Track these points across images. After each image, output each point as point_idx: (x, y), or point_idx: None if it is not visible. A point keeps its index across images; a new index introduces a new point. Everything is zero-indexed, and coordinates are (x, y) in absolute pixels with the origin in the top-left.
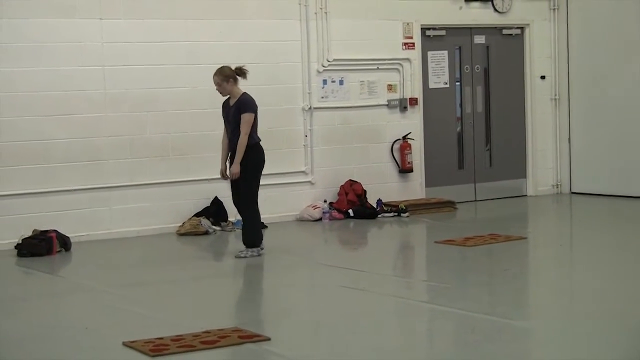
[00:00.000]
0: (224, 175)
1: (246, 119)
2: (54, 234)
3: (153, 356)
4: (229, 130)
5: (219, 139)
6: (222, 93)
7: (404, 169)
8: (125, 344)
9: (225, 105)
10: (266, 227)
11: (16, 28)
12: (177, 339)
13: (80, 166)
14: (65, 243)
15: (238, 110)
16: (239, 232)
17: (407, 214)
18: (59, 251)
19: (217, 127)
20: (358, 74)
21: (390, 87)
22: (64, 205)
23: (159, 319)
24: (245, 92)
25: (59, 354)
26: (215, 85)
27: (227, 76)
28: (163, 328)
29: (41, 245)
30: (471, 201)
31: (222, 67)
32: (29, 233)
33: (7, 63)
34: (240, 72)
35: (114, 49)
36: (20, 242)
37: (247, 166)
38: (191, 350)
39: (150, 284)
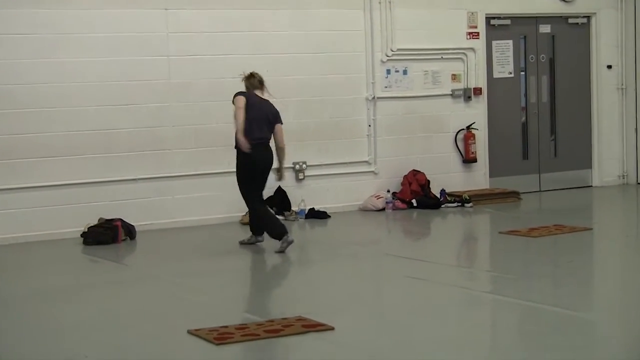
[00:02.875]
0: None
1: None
2: (119, 223)
3: (217, 344)
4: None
5: (285, 128)
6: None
7: (468, 159)
8: (189, 332)
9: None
10: (329, 216)
11: (85, 19)
12: (241, 327)
13: (144, 155)
14: (130, 231)
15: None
16: (303, 221)
17: (470, 204)
18: (124, 239)
19: (283, 117)
20: (422, 64)
21: (454, 77)
22: (129, 194)
23: (223, 307)
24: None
25: (124, 341)
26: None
27: None
28: (227, 317)
29: (106, 234)
30: (536, 192)
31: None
32: (95, 221)
33: (75, 53)
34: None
35: (179, 39)
36: (86, 230)
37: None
38: (255, 339)
39: (214, 272)
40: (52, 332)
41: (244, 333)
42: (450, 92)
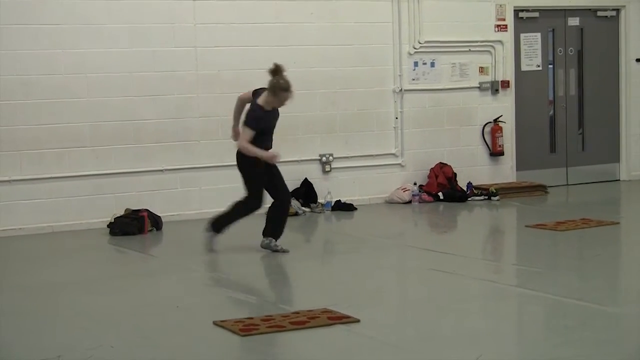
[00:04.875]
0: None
1: None
2: (145, 213)
3: (243, 335)
4: (271, 135)
5: (312, 120)
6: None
7: (495, 152)
8: (215, 323)
9: (267, 115)
10: (355, 209)
11: (112, 9)
12: (267, 319)
13: (171, 146)
14: (156, 222)
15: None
16: (329, 213)
17: (497, 197)
18: (150, 230)
19: (309, 109)
20: (449, 56)
21: (481, 70)
22: (156, 185)
23: (249, 298)
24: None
25: (151, 332)
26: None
27: None
28: (253, 308)
29: (133, 224)
30: (563, 185)
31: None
32: (122, 212)
33: (102, 44)
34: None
35: (206, 30)
36: (113, 220)
37: None
38: (281, 331)
39: (240, 264)
40: (79, 321)
41: (270, 324)
42: (478, 85)
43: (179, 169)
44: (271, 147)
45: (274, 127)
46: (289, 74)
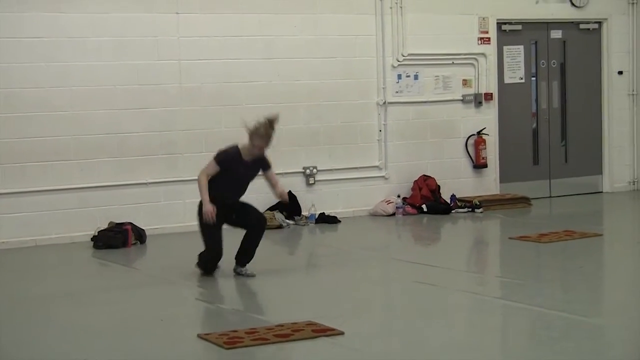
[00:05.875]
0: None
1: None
2: (129, 227)
3: (227, 348)
4: (238, 187)
5: (296, 133)
6: (257, 156)
7: (478, 165)
8: (200, 336)
9: (237, 160)
10: (339, 221)
11: (96, 22)
12: (251, 331)
13: (155, 159)
14: (140, 235)
15: (261, 167)
16: (313, 226)
17: (481, 209)
18: (134, 243)
19: (291, 122)
20: (433, 69)
21: (465, 82)
22: (140, 198)
23: (233, 312)
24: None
25: (134, 345)
26: (260, 150)
27: None
28: (237, 321)
29: (117, 238)
30: (546, 197)
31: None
32: (105, 225)
33: (86, 56)
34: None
35: (190, 43)
36: (96, 234)
37: None
38: (265, 344)
39: (224, 277)
40: (60, 335)
41: (254, 337)
42: (461, 98)
43: (163, 182)
44: (231, 200)
45: (243, 179)
46: (272, 86)
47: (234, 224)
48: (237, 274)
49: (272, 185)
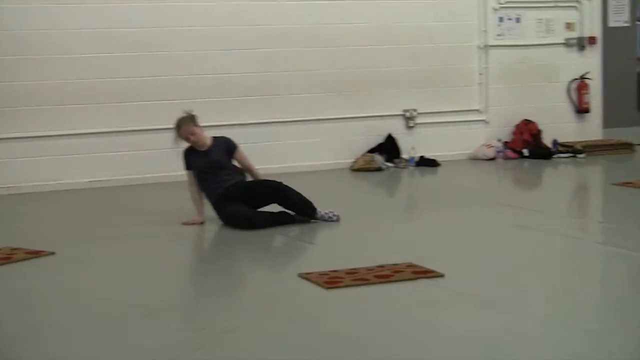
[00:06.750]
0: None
1: (244, 152)
2: None
3: (328, 288)
4: (218, 176)
5: (395, 75)
6: (198, 143)
7: (581, 110)
8: (300, 276)
9: (194, 155)
10: (439, 164)
11: None
12: (352, 272)
13: (255, 100)
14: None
15: (227, 150)
16: (412, 169)
17: (583, 155)
18: None
19: (391, 64)
20: (535, 12)
21: (568, 25)
22: (239, 138)
23: (334, 252)
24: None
25: (238, 285)
26: (190, 136)
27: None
28: (337, 261)
29: None
30: None
31: (188, 117)
32: None
33: None
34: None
35: None
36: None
37: None
38: (365, 284)
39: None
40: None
41: (354, 278)
42: (564, 41)
43: (263, 123)
44: (220, 188)
45: (213, 166)
46: (374, 28)
47: (260, 201)
48: (318, 219)
49: (246, 168)
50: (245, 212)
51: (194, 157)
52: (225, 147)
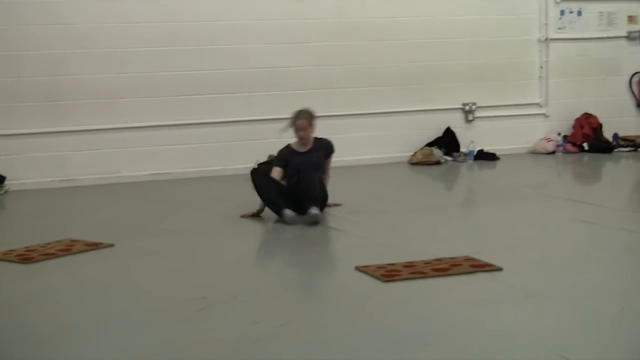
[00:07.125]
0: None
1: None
2: None
3: (385, 281)
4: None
5: (455, 69)
6: (304, 140)
7: None
8: (357, 269)
9: (294, 155)
10: (498, 158)
11: None
12: (409, 265)
13: (314, 94)
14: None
15: (325, 154)
16: (471, 162)
17: None
18: None
19: (453, 57)
20: (597, 5)
21: (630, 19)
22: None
23: (391, 245)
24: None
25: (294, 275)
26: (302, 131)
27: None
28: (395, 254)
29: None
30: None
31: (310, 113)
32: (265, 158)
33: None
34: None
35: None
36: (256, 167)
37: None
38: (423, 277)
39: (383, 212)
40: (220, 265)
41: (412, 271)
42: (626, 34)
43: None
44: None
45: (311, 165)
46: (434, 22)
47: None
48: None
49: (325, 170)
50: (275, 193)
51: (292, 157)
52: (325, 150)
